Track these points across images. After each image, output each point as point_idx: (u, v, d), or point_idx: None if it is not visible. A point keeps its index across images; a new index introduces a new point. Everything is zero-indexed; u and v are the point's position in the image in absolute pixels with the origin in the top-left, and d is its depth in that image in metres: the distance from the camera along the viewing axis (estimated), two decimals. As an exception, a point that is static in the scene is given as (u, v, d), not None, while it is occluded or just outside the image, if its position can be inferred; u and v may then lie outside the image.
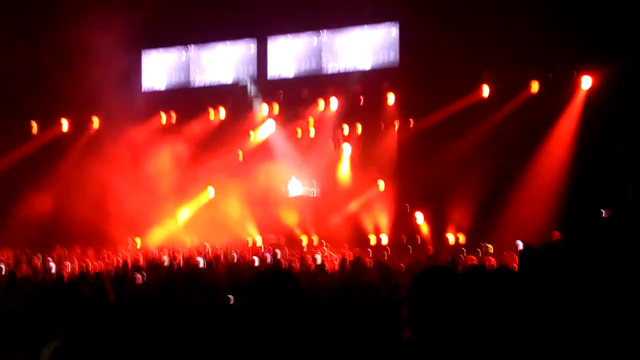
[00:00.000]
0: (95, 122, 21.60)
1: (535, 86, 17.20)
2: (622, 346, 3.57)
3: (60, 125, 21.83)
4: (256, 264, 12.95)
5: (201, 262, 12.97)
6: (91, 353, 3.73)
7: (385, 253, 16.47)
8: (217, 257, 14.74)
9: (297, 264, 12.39)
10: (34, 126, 21.72)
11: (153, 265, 11.75)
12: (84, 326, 4.38)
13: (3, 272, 11.51)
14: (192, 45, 21.20)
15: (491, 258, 12.14)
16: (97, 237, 19.26)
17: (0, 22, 17.41)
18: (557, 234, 12.90)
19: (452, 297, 2.46)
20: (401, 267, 11.37)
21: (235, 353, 2.61)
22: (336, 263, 13.17)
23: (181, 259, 14.06)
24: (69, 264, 13.38)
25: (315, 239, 20.76)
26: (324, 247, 18.10)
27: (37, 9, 17.00)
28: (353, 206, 20.38)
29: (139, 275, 9.35)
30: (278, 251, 16.59)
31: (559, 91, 16.98)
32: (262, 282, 2.63)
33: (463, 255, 13.75)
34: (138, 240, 20.84)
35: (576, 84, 16.84)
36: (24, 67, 18.90)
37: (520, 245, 15.59)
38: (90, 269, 11.66)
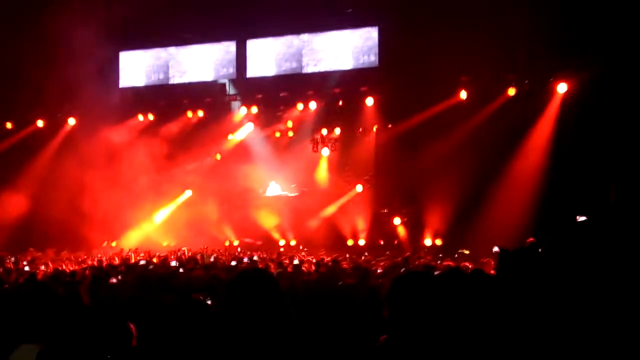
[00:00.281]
0: (71, 120, 21.26)
1: (512, 91, 17.34)
2: (598, 346, 3.61)
3: (35, 123, 21.48)
4: (233, 265, 12.87)
5: (177, 264, 12.85)
6: (74, 355, 3.67)
7: (363, 256, 16.51)
8: (193, 258, 14.63)
9: (274, 266, 12.33)
10: (8, 125, 21.36)
11: (128, 267, 11.62)
12: (60, 328, 4.32)
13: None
14: (172, 45, 20.98)
15: (467, 263, 12.20)
16: (72, 238, 19.05)
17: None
18: (531, 240, 13.04)
19: (429, 299, 2.47)
20: (378, 270, 11.37)
21: (212, 354, 2.58)
22: (313, 265, 13.14)
23: (157, 261, 13.91)
24: (43, 266, 13.20)
25: (292, 241, 20.75)
26: (302, 250, 18.10)
27: (14, 5, 16.69)
28: (331, 209, 20.41)
29: (113, 279, 9.24)
30: (255, 254, 16.55)
31: (535, 96, 17.14)
32: (241, 281, 2.60)
33: (440, 259, 13.83)
34: (114, 242, 20.66)
35: (552, 90, 17.01)
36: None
37: (496, 249, 15.77)
38: (64, 270, 11.48)
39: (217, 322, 2.69)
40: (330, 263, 12.66)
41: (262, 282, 2.58)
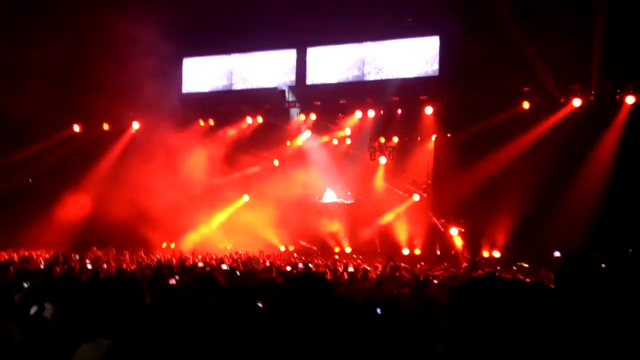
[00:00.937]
0: (135, 124, 21.86)
1: (577, 102, 16.90)
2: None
3: (102, 126, 22.16)
4: (288, 270, 12.95)
5: (233, 266, 13.02)
6: (143, 351, 3.77)
7: (419, 265, 16.35)
8: (249, 261, 14.80)
9: (329, 273, 12.33)
10: (76, 128, 22.10)
11: (185, 268, 11.84)
12: (125, 325, 4.45)
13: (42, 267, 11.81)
14: (235, 52, 21.35)
15: (523, 277, 11.91)
16: (133, 239, 19.52)
17: (47, 25, 17.79)
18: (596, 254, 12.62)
19: (490, 309, 2.43)
20: (434, 281, 11.24)
21: (263, 357, 2.60)
22: (369, 273, 13.08)
23: (214, 263, 14.11)
24: (105, 265, 13.58)
25: (348, 248, 20.74)
26: (357, 257, 18.05)
27: (80, 10, 17.25)
28: (387, 217, 20.31)
29: (172, 280, 9.42)
30: (310, 259, 16.61)
31: (602, 108, 16.66)
32: (297, 285, 2.62)
33: (498, 272, 13.55)
34: (173, 243, 21.08)
35: (619, 102, 16.51)
36: (66, 68, 19.28)
37: (557, 254, 15.37)
38: (126, 269, 11.79)
39: (270, 325, 2.71)
40: (387, 271, 12.58)
41: (317, 288, 2.58)
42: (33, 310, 5.84)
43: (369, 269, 13.48)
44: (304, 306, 2.52)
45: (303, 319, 2.50)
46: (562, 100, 17.15)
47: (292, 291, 2.59)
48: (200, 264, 13.12)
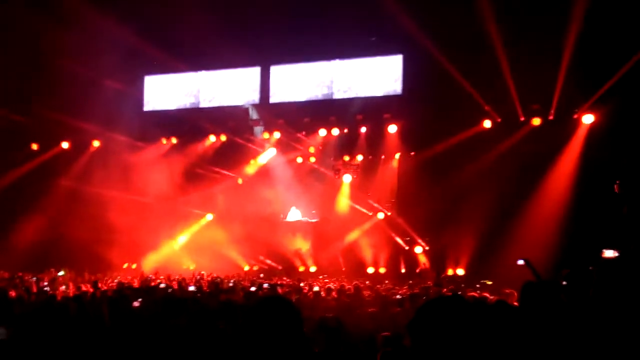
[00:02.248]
0: (96, 143, 21.49)
1: (536, 121, 17.21)
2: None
3: (60, 145, 21.73)
4: (252, 290, 12.79)
5: (195, 288, 12.82)
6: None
7: (384, 284, 16.33)
8: (213, 282, 14.59)
9: (293, 293, 12.22)
10: (34, 146, 21.65)
11: (147, 290, 11.60)
12: (80, 349, 4.30)
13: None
14: (196, 69, 21.14)
15: (488, 295, 11.97)
16: (93, 260, 19.13)
17: (4, 42, 17.49)
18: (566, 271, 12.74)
19: (457, 328, 2.40)
20: (398, 299, 11.22)
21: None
22: (334, 292, 13.01)
23: (176, 284, 13.88)
24: (64, 287, 13.25)
25: (312, 267, 20.65)
26: (323, 277, 17.96)
27: (38, 27, 16.93)
28: (352, 236, 20.30)
29: (136, 302, 9.21)
30: (275, 279, 16.46)
31: (560, 127, 16.98)
32: (261, 309, 2.55)
33: (462, 290, 13.61)
34: (135, 264, 20.73)
35: (577, 121, 16.87)
36: (24, 86, 18.95)
37: (521, 262, 15.47)
38: (85, 291, 11.51)
39: (233, 348, 2.64)
40: (351, 290, 12.51)
41: (282, 312, 2.52)
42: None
43: (333, 287, 13.41)
44: (267, 330, 2.45)
45: (266, 343, 2.43)
46: (523, 119, 17.43)
47: (256, 315, 2.52)
48: (162, 285, 12.88)
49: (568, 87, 16.12)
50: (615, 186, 9.94)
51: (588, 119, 16.62)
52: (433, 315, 2.49)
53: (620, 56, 14.88)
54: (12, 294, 10.61)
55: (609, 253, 14.11)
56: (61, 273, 16.89)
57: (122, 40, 16.75)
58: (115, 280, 14.98)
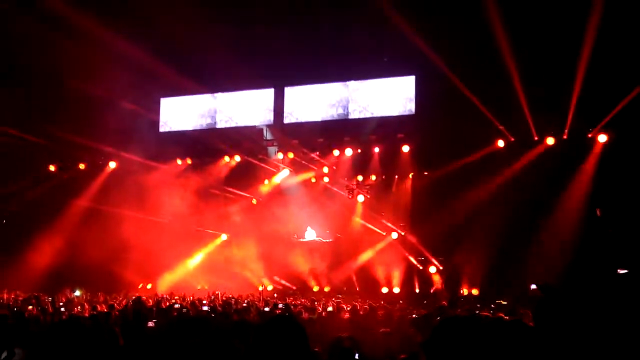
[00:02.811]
0: (112, 164, 21.66)
1: (550, 140, 17.17)
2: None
3: (78, 166, 21.95)
4: (266, 310, 12.80)
5: (209, 307, 12.84)
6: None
7: (398, 304, 16.26)
8: (227, 302, 14.60)
9: (307, 314, 12.20)
10: (51, 167, 21.87)
11: (161, 310, 11.64)
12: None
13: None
14: (211, 91, 21.25)
15: (503, 315, 11.88)
16: (108, 280, 19.22)
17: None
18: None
19: (472, 347, 2.42)
20: (412, 319, 11.17)
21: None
22: (347, 313, 12.97)
23: (189, 304, 13.91)
24: (79, 307, 13.33)
25: (326, 287, 20.60)
26: (336, 297, 17.92)
27: (60, 51, 17.17)
28: (366, 255, 20.25)
29: (151, 323, 9.24)
30: (289, 299, 16.44)
31: (575, 147, 16.93)
32: (269, 328, 2.58)
33: (477, 310, 13.51)
34: (149, 284, 20.79)
35: (592, 140, 16.81)
36: (41, 108, 19.20)
37: (534, 287, 15.49)
38: (101, 311, 11.57)
39: None
40: (366, 310, 12.48)
41: (289, 332, 2.55)
42: (2, 356, 5.66)
43: (346, 308, 13.38)
44: (275, 349, 2.48)
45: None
46: (537, 138, 17.38)
47: (264, 334, 2.56)
48: (177, 305, 12.91)
49: (582, 107, 16.09)
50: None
51: (602, 138, 16.56)
52: (448, 334, 2.52)
53: (635, 75, 14.84)
54: (28, 314, 10.71)
55: (623, 272, 13.98)
56: (77, 293, 16.98)
57: (138, 61, 16.92)
58: (130, 301, 14.96)
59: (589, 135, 16.90)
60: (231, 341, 5.63)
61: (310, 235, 21.67)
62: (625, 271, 13.23)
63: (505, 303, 15.18)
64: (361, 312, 12.19)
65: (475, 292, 18.40)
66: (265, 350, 2.47)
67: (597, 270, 14.53)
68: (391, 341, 7.37)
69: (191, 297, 16.56)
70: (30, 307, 12.33)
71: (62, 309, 12.62)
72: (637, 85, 14.83)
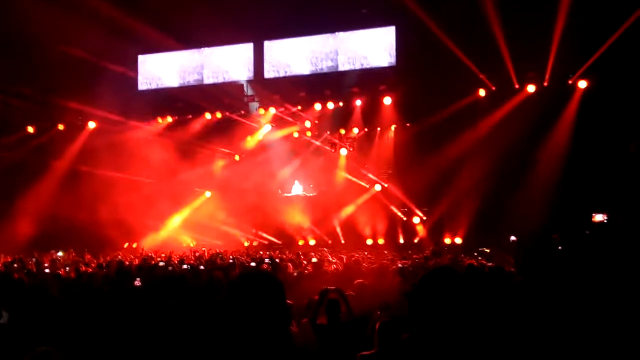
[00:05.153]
0: (91, 124, 21.33)
1: (531, 88, 17.18)
2: (618, 347, 3.55)
3: (57, 127, 21.63)
4: (252, 265, 12.88)
5: (196, 264, 12.90)
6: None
7: (383, 254, 16.42)
8: (213, 259, 14.67)
9: (292, 267, 12.30)
10: (30, 129, 21.54)
11: (148, 268, 11.68)
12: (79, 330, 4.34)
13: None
14: (189, 47, 20.80)
15: (485, 262, 12.07)
16: (94, 240, 19.19)
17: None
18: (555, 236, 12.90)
19: (458, 296, 2.44)
20: (397, 268, 11.30)
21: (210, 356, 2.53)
22: (334, 265, 13.10)
23: (176, 261, 13.96)
24: (66, 268, 13.31)
25: (312, 240, 20.76)
26: (322, 249, 18.07)
27: (31, 11, 16.69)
28: (350, 208, 20.38)
29: (137, 282, 9.28)
30: (274, 254, 16.54)
31: (555, 94, 16.95)
32: (240, 284, 2.55)
33: (461, 258, 13.71)
34: (135, 243, 20.81)
35: (572, 87, 16.85)
36: (18, 69, 18.78)
37: (513, 238, 15.83)
38: (85, 271, 11.57)
39: (216, 325, 2.64)
40: (350, 261, 12.61)
41: (263, 287, 2.52)
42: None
43: (332, 259, 13.51)
44: (247, 305, 2.44)
45: (245, 319, 2.43)
46: (517, 86, 17.38)
47: (236, 290, 2.52)
48: (162, 263, 12.95)
49: (562, 54, 16.05)
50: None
51: (582, 84, 16.60)
52: (437, 284, 2.53)
53: (613, 22, 14.79)
54: (15, 276, 10.68)
55: (598, 217, 14.22)
56: (60, 254, 16.96)
57: (113, 19, 16.54)
58: (116, 260, 14.98)
59: (570, 82, 16.92)
60: (205, 299, 5.67)
61: (297, 189, 21.71)
62: (601, 217, 13.46)
63: (488, 250, 15.44)
64: (346, 263, 12.32)
65: (458, 240, 18.64)
66: (236, 305, 2.44)
67: (576, 217, 14.78)
68: (376, 291, 7.46)
69: (178, 255, 16.60)
70: (15, 270, 12.28)
71: (47, 271, 12.59)
72: (616, 31, 14.78)
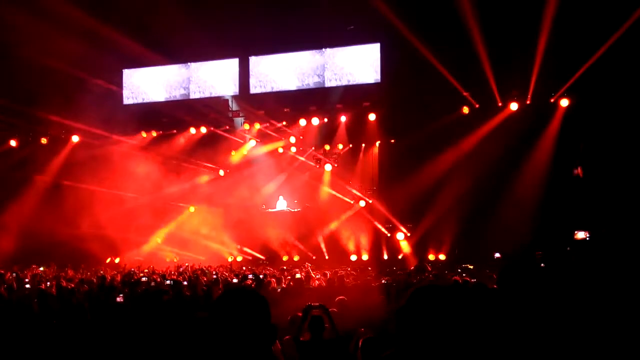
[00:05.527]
0: (75, 138, 21.17)
1: (514, 106, 17.36)
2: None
3: (40, 140, 21.43)
4: (235, 282, 12.82)
5: (179, 280, 12.80)
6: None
7: (366, 271, 16.41)
8: (195, 275, 14.59)
9: (274, 282, 12.25)
10: (12, 142, 21.32)
11: (130, 283, 11.59)
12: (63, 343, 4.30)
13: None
14: (175, 62, 20.73)
15: (469, 278, 12.10)
16: (77, 255, 19.01)
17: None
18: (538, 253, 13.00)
19: (447, 312, 2.45)
20: (380, 285, 11.29)
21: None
22: (317, 281, 13.08)
23: (159, 277, 13.85)
24: (48, 283, 13.15)
25: (295, 257, 20.71)
26: (306, 265, 18.02)
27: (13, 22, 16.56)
28: (334, 224, 20.37)
29: (119, 298, 9.20)
30: (258, 270, 16.48)
31: (537, 112, 17.13)
32: (224, 301, 2.54)
33: (445, 275, 13.75)
34: (117, 258, 20.63)
35: (554, 105, 17.05)
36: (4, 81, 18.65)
37: (497, 255, 15.91)
38: (66, 287, 11.44)
39: (199, 342, 2.63)
40: (334, 277, 12.59)
41: (247, 304, 2.51)
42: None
43: (316, 276, 13.49)
44: (231, 321, 2.44)
45: (229, 334, 2.42)
46: (500, 104, 17.56)
47: (220, 306, 2.51)
48: (144, 279, 12.86)
49: (544, 72, 16.26)
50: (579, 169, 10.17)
51: (564, 102, 16.82)
52: (425, 302, 2.54)
53: (595, 41, 15.01)
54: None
55: (580, 234, 14.34)
56: (41, 269, 16.77)
57: (98, 33, 16.51)
58: (97, 276, 14.82)
59: (552, 100, 17.12)
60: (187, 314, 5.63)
61: (282, 205, 21.68)
62: (583, 234, 13.56)
63: (472, 267, 15.49)
64: (330, 279, 12.30)
65: (442, 257, 18.69)
66: (220, 323, 2.43)
67: (557, 235, 14.89)
68: (360, 308, 7.46)
69: (160, 271, 16.48)
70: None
71: (27, 286, 12.44)
72: (597, 50, 15.01)
